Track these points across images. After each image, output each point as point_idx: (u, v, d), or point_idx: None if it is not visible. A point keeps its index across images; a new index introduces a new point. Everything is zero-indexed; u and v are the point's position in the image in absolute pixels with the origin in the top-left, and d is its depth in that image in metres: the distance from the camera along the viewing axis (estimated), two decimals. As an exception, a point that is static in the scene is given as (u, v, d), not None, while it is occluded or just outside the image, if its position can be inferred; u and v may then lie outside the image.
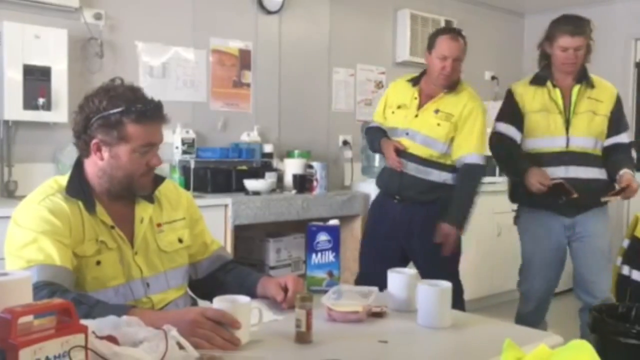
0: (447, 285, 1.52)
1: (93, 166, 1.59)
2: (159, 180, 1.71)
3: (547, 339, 1.38)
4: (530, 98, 2.87)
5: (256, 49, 4.19)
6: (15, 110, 3.05)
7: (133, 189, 1.60)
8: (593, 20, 2.70)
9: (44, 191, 1.55)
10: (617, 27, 5.29)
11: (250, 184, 3.67)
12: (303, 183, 3.85)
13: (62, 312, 0.99)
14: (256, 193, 3.65)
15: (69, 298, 1.24)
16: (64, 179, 1.59)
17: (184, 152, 3.69)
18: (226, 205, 3.39)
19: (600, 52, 5.30)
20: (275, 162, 4.07)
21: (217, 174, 3.73)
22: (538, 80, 2.88)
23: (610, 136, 2.86)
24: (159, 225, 1.68)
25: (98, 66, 3.43)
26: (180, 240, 1.71)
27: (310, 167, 3.91)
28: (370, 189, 3.83)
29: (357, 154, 4.60)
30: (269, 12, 4.22)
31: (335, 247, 1.81)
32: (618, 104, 2.89)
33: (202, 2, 3.91)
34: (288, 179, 3.91)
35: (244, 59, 4.15)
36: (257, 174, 3.81)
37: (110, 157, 1.55)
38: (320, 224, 1.84)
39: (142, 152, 1.55)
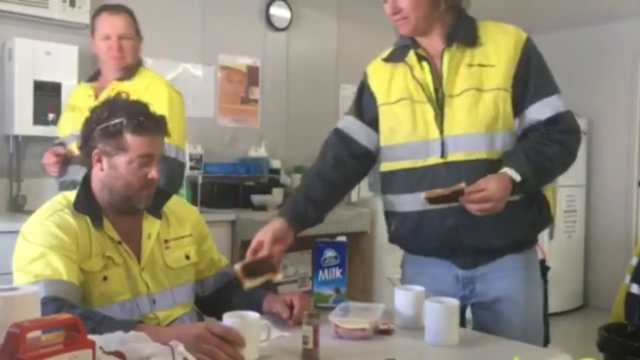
0: (454, 302, 1.52)
1: (96, 178, 1.61)
2: (166, 195, 1.72)
3: (555, 358, 1.37)
4: (386, 83, 1.79)
5: (264, 66, 4.22)
6: (25, 126, 3.08)
7: (132, 202, 1.60)
8: (600, 37, 2.58)
9: (52, 207, 1.57)
10: (624, 45, 5.30)
11: (257, 199, 3.68)
12: (310, 199, 3.85)
13: (70, 327, 0.99)
14: (263, 208, 3.65)
15: (76, 313, 1.24)
16: (72, 195, 1.61)
17: (192, 168, 3.70)
18: (233, 221, 3.40)
19: (607, 70, 5.36)
20: (282, 178, 4.08)
21: (224, 189, 3.74)
22: (396, 54, 1.79)
23: (520, 112, 1.67)
24: (166, 241, 1.68)
25: (107, 82, 3.46)
26: (187, 257, 1.71)
27: (317, 183, 3.91)
28: (377, 205, 3.82)
29: (364, 170, 4.59)
30: (277, 29, 4.25)
31: (342, 264, 1.80)
32: (526, 57, 1.68)
33: (210, 19, 3.95)
34: (295, 195, 3.90)
35: (252, 76, 4.18)
36: (265, 189, 3.82)
37: (109, 167, 1.57)
38: (328, 240, 1.84)
39: (139, 163, 1.56)
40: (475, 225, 1.62)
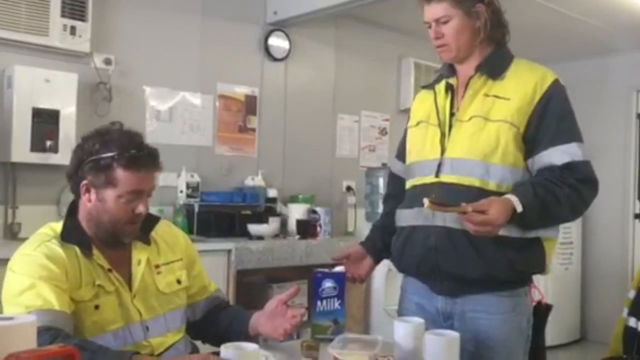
0: (454, 335, 1.50)
1: (83, 209, 1.59)
2: (153, 220, 1.71)
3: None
4: (416, 108, 1.92)
5: (262, 95, 4.25)
6: (22, 153, 3.07)
7: (117, 236, 1.58)
8: (594, 71, 2.58)
9: (39, 238, 1.55)
10: (617, 79, 5.37)
11: (253, 228, 3.66)
12: (307, 228, 3.84)
13: (67, 357, 0.98)
14: (260, 238, 3.63)
15: (71, 343, 1.22)
16: (58, 226, 1.59)
17: (189, 196, 3.69)
18: (229, 250, 3.38)
19: (601, 104, 5.41)
20: (279, 207, 4.07)
21: (220, 218, 3.73)
22: (433, 81, 1.89)
23: (534, 154, 1.66)
24: (157, 266, 1.67)
25: (106, 110, 3.47)
26: (178, 282, 1.71)
27: (314, 212, 3.91)
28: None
29: (361, 199, 4.60)
30: (275, 59, 4.29)
31: (341, 295, 1.78)
32: (547, 99, 1.66)
33: (209, 48, 3.98)
34: (292, 224, 3.90)
35: (250, 105, 4.19)
36: (261, 218, 3.81)
37: (97, 200, 1.55)
38: (326, 270, 1.82)
39: (128, 198, 1.54)
40: (454, 250, 1.65)
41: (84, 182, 1.55)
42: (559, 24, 4.56)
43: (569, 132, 1.67)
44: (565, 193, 1.60)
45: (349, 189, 4.70)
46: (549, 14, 4.30)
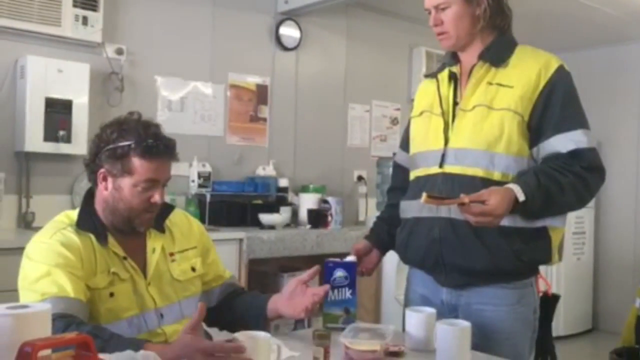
0: (466, 324, 1.50)
1: (99, 197, 1.61)
2: (168, 209, 1.72)
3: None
4: (420, 97, 1.90)
5: (273, 85, 4.25)
6: (35, 142, 3.10)
7: (133, 224, 1.60)
8: (609, 59, 2.54)
9: (55, 226, 1.57)
10: (631, 68, 5.30)
11: (265, 218, 3.67)
12: (318, 218, 3.84)
13: (81, 345, 0.99)
14: (271, 227, 3.65)
15: (84, 331, 1.23)
16: (74, 213, 1.61)
17: (200, 186, 3.71)
18: (241, 239, 3.39)
19: (615, 92, 5.36)
20: (290, 197, 4.08)
21: (232, 208, 3.74)
22: (436, 70, 1.85)
23: (539, 141, 1.63)
24: (171, 254, 1.68)
25: (118, 100, 3.48)
26: (193, 269, 1.72)
27: (325, 202, 3.91)
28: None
29: (372, 189, 4.60)
30: (287, 49, 4.28)
31: (352, 284, 1.79)
32: (551, 86, 1.62)
33: (220, 38, 3.98)
34: (303, 214, 3.90)
35: (261, 94, 4.19)
36: (272, 208, 3.82)
37: (113, 188, 1.57)
38: (337, 260, 1.83)
39: (144, 187, 1.56)
40: (458, 242, 1.63)
41: (101, 170, 1.57)
42: (573, 12, 4.51)
43: (574, 119, 1.62)
44: (569, 181, 1.57)
45: (360, 178, 4.70)
46: (564, 1, 4.26)
